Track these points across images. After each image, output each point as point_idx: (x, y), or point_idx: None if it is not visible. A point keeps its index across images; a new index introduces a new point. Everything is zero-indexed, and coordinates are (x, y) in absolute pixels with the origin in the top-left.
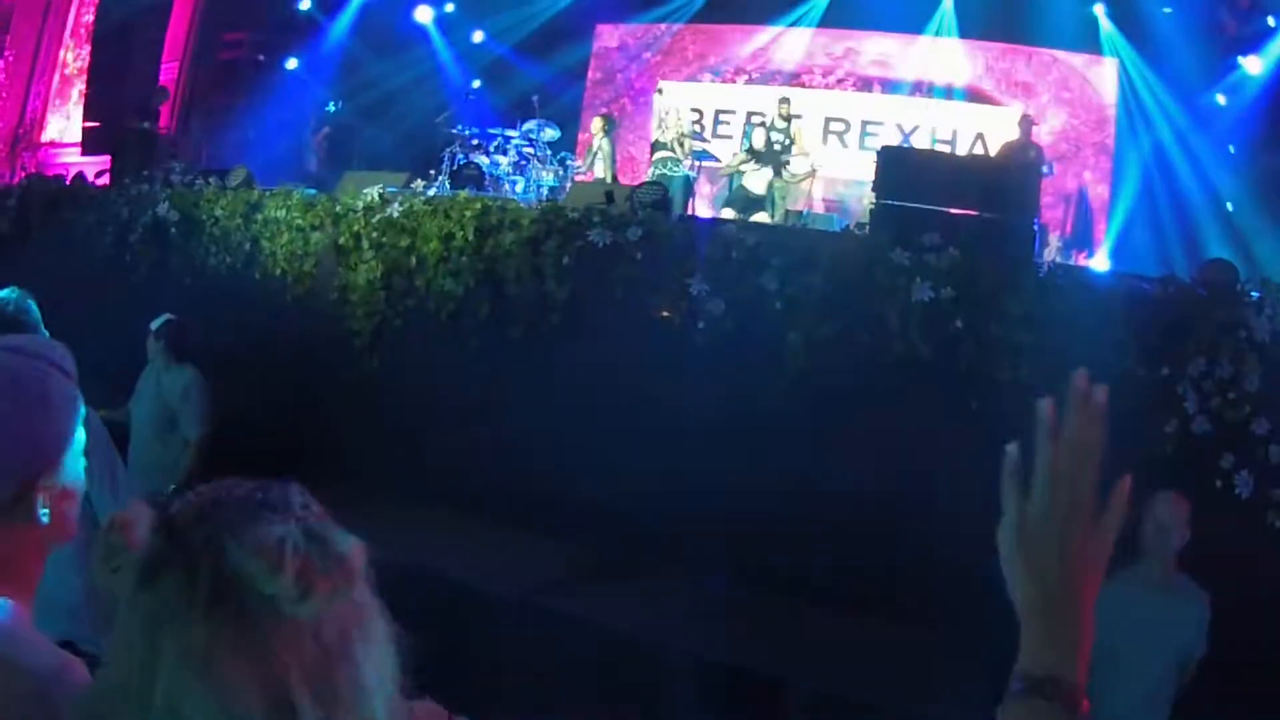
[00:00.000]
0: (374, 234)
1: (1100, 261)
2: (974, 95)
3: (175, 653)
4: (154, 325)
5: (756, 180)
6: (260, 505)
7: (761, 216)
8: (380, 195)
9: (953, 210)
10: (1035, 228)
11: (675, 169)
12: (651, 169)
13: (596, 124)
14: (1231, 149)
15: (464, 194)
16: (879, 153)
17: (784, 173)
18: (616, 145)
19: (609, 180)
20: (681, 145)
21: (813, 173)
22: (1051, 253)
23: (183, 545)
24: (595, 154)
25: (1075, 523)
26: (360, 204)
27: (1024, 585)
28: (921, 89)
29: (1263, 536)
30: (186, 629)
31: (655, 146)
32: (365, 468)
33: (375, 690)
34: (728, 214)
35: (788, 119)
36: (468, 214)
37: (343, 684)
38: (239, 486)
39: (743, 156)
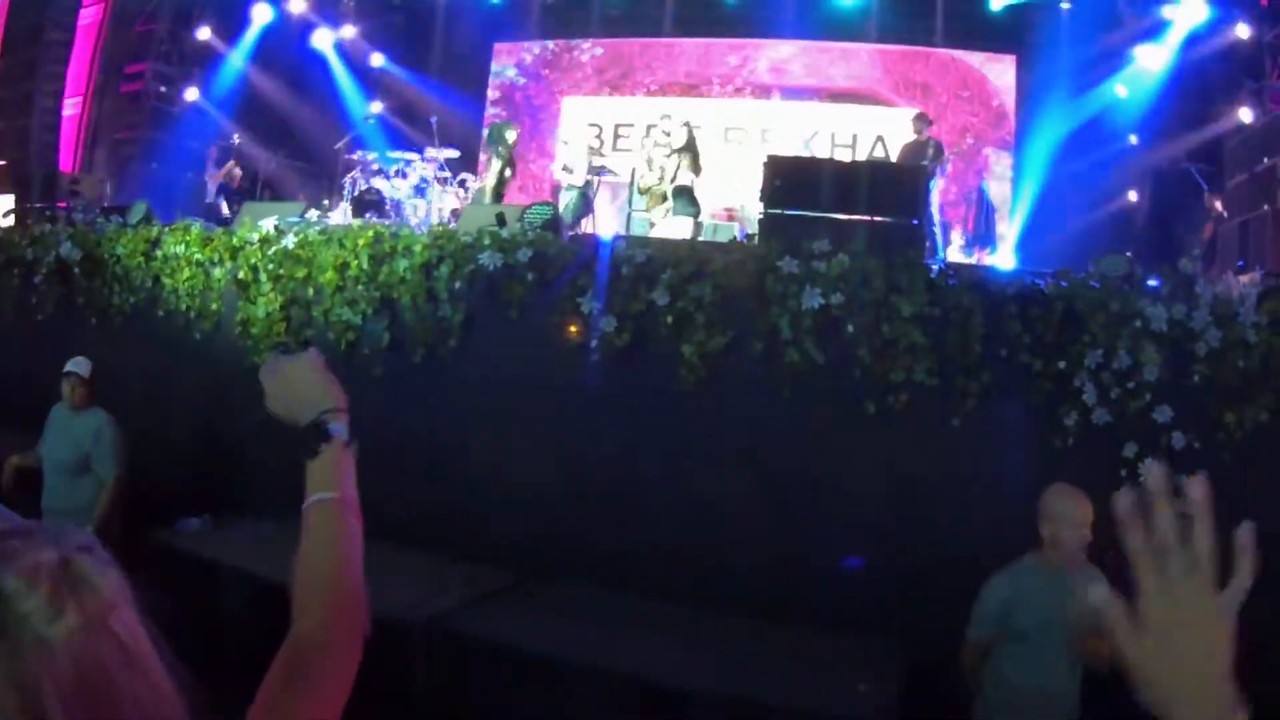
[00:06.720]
0: (271, 266)
1: (1004, 258)
2: (873, 98)
3: None
4: (66, 367)
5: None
6: (35, 535)
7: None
8: (276, 227)
9: (841, 216)
10: (925, 228)
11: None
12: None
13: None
14: (1133, 139)
15: (358, 222)
16: (765, 163)
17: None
18: (513, 159)
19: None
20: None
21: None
22: (953, 251)
23: None
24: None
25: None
26: (256, 236)
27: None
28: (820, 94)
29: None
30: None
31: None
32: (276, 501)
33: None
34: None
35: (668, 133)
36: (361, 242)
37: (102, 709)
38: (27, 525)
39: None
